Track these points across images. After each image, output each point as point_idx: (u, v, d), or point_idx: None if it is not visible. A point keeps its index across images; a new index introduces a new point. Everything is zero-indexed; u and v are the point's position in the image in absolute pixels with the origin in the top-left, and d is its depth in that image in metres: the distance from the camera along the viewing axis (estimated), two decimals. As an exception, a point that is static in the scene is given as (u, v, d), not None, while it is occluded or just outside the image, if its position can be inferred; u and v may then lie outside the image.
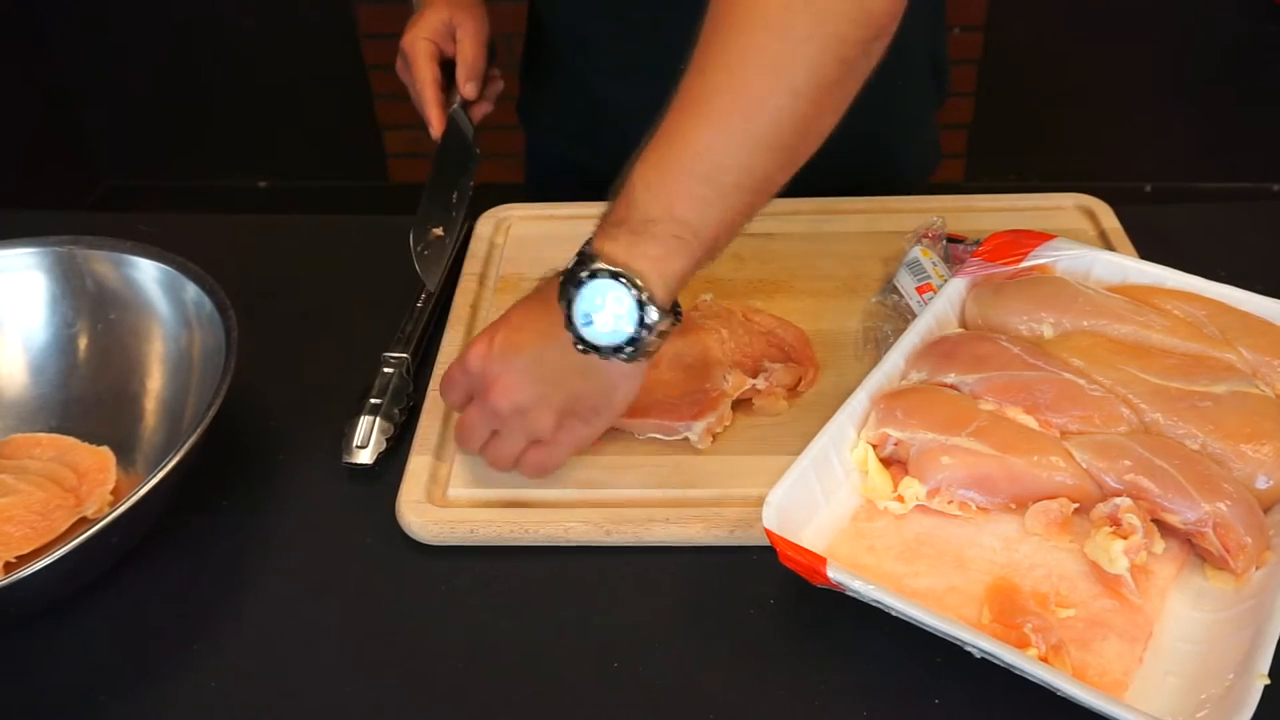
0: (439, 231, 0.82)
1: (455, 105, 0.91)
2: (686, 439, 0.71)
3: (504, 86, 0.97)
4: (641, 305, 0.59)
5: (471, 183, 0.88)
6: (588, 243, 0.61)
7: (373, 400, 0.75)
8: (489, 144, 0.93)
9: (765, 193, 0.61)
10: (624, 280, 0.58)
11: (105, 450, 0.72)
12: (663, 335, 0.60)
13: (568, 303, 0.60)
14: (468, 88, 0.90)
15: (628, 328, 0.59)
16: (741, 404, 0.74)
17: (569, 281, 0.60)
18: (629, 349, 0.60)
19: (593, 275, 0.59)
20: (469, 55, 0.91)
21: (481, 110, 0.94)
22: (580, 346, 0.61)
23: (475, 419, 0.67)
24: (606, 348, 0.60)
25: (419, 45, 0.90)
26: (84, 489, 0.70)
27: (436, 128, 0.89)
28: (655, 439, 0.72)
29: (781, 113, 0.58)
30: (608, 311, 0.59)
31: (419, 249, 0.80)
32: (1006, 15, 2.31)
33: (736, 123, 0.59)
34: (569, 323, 0.60)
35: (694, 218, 0.59)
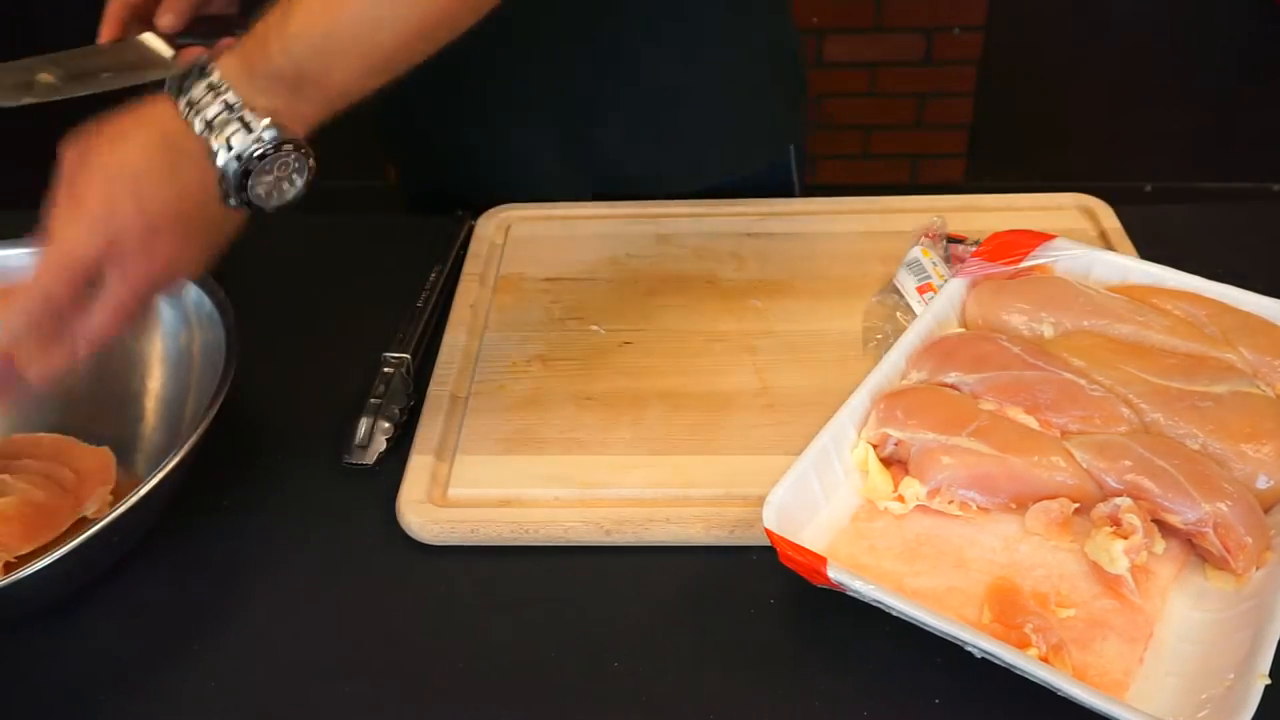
0: (47, 77, 0.68)
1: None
2: None
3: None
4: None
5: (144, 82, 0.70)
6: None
7: (373, 400, 0.75)
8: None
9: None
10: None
11: (105, 450, 0.72)
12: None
13: None
14: (165, 19, 0.73)
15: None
16: (742, 404, 0.73)
17: None
18: None
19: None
20: None
21: (219, 5, 0.76)
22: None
23: None
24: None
25: None
26: (84, 489, 0.70)
27: (104, 36, 0.72)
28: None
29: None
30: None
31: None
32: (1006, 15, 2.31)
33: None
34: None
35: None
